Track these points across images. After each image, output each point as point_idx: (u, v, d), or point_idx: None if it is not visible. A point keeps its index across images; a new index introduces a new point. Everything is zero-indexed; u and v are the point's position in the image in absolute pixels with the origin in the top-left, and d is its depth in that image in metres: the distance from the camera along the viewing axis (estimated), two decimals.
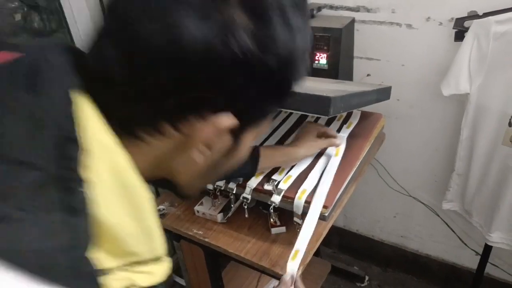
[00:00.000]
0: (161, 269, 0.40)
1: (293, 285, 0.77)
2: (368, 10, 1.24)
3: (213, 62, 0.34)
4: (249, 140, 0.44)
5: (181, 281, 1.66)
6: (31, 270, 0.28)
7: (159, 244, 0.39)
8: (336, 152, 0.99)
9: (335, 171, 0.94)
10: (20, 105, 0.33)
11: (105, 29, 0.36)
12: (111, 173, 0.34)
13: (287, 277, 0.78)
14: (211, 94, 0.36)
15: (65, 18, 1.20)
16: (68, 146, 0.32)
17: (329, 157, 0.98)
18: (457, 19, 1.08)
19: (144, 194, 0.37)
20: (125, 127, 0.37)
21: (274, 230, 0.95)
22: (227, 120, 0.38)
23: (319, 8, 1.28)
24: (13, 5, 1.22)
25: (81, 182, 0.32)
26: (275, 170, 0.96)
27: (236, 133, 0.41)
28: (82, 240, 0.32)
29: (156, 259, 0.39)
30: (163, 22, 0.33)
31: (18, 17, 1.22)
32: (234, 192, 0.96)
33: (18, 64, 0.35)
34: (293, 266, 0.80)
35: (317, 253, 1.71)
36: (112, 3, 0.36)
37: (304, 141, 0.96)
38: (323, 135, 0.99)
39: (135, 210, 0.36)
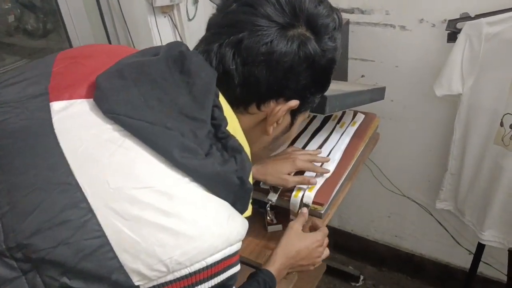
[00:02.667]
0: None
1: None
2: (362, 12, 1.26)
3: (295, 64, 0.53)
4: (298, 123, 0.64)
5: None
6: (212, 185, 0.44)
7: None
8: (353, 123, 1.11)
9: (350, 138, 1.06)
10: (179, 82, 0.48)
11: (222, 37, 0.53)
12: (232, 131, 0.50)
13: (304, 210, 0.88)
14: (289, 85, 0.55)
15: (62, 18, 1.20)
16: (215, 110, 0.48)
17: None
18: (449, 20, 1.10)
19: (247, 145, 0.53)
20: (230, 105, 0.53)
21: (270, 228, 0.95)
22: (294, 102, 0.57)
23: None
24: (6, 6, 1.21)
25: (228, 134, 0.48)
26: None
27: (293, 115, 0.60)
28: (245, 168, 0.47)
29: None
30: (264, 43, 0.51)
31: (11, 18, 1.22)
32: None
33: (167, 54, 0.50)
34: (310, 195, 0.90)
35: None
36: (230, 19, 0.53)
37: (275, 170, 0.89)
38: (306, 167, 0.93)
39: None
